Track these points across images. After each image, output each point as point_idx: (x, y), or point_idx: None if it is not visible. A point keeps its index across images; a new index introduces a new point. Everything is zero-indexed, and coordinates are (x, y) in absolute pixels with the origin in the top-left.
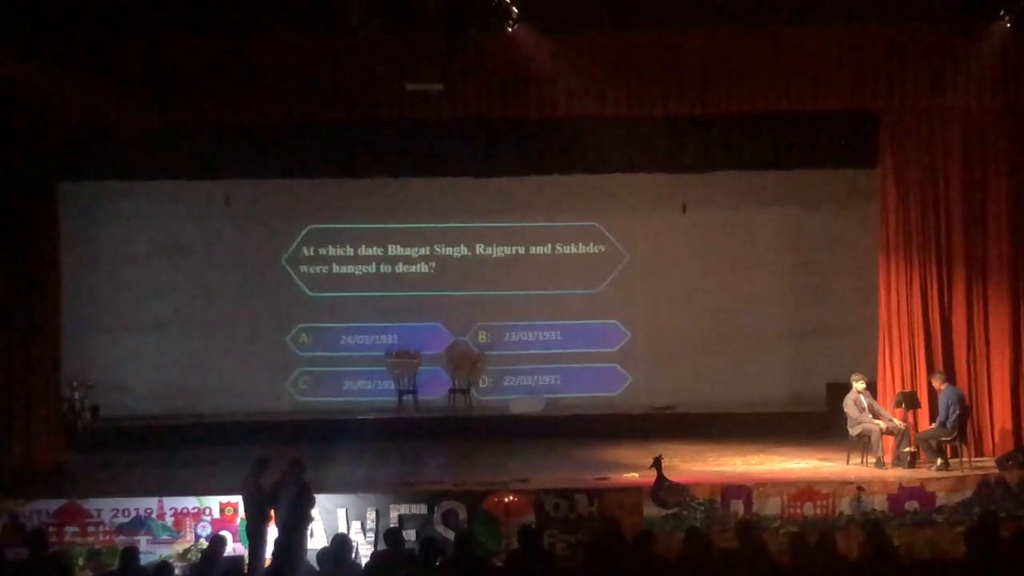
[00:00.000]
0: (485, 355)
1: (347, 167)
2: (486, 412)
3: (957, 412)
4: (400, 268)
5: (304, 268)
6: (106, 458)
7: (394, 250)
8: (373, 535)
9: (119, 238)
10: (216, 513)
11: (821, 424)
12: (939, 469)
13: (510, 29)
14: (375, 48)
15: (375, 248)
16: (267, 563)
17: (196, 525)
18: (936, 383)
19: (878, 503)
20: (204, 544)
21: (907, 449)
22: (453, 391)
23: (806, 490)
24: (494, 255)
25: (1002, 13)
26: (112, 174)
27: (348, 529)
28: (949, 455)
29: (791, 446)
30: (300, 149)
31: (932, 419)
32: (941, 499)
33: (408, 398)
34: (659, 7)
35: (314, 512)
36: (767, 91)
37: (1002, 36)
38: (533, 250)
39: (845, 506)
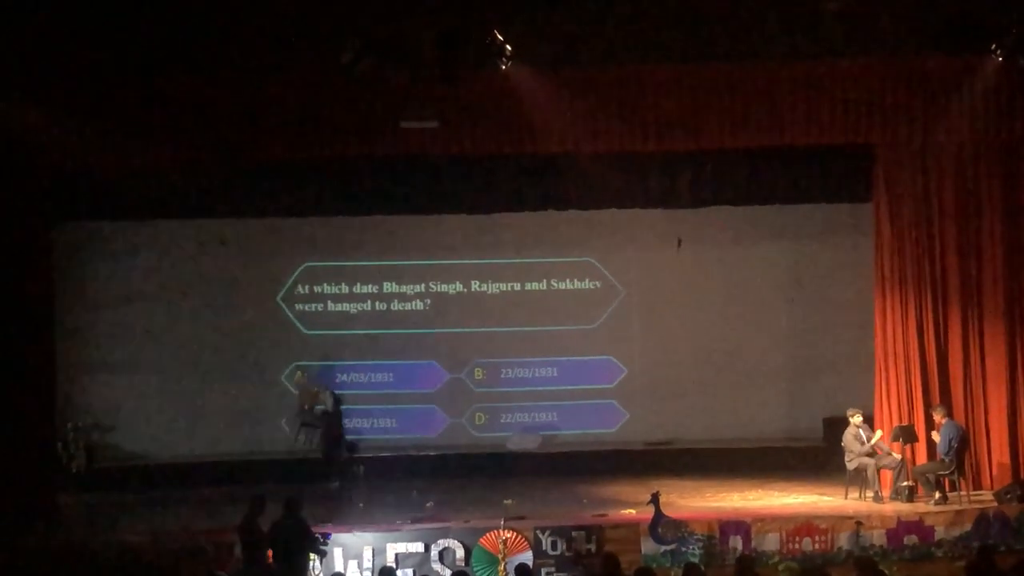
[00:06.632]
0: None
1: (342, 205)
2: (483, 449)
3: (956, 446)
4: (395, 305)
5: (299, 306)
6: (101, 499)
7: (389, 287)
8: (370, 574)
9: (113, 278)
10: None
11: (819, 458)
12: (937, 503)
13: (504, 67)
14: (370, 86)
15: (370, 286)
16: None
17: None
18: (937, 416)
19: (877, 538)
20: None
21: (905, 483)
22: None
23: (805, 525)
24: (489, 292)
25: (994, 47)
26: (106, 214)
27: (345, 568)
28: (947, 489)
29: (789, 481)
30: (295, 187)
31: (929, 449)
32: (940, 533)
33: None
34: (653, 43)
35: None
36: (762, 126)
37: (994, 70)
38: (529, 286)
39: (844, 541)
